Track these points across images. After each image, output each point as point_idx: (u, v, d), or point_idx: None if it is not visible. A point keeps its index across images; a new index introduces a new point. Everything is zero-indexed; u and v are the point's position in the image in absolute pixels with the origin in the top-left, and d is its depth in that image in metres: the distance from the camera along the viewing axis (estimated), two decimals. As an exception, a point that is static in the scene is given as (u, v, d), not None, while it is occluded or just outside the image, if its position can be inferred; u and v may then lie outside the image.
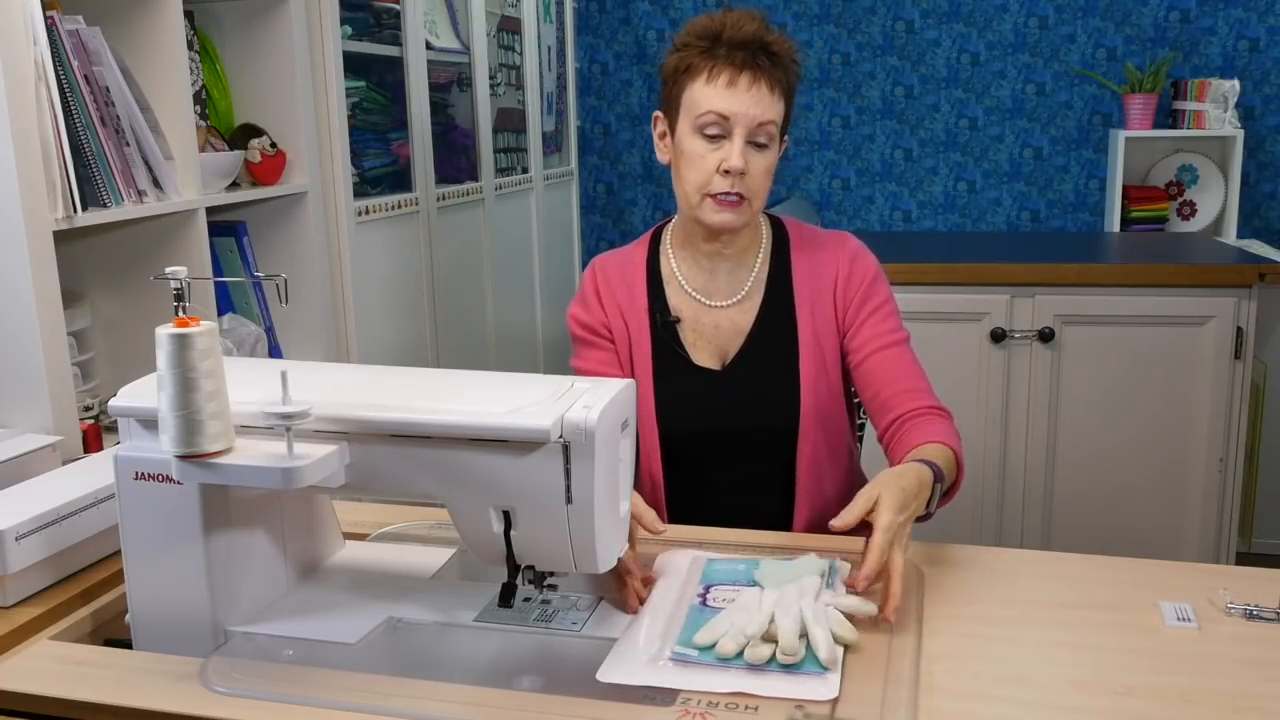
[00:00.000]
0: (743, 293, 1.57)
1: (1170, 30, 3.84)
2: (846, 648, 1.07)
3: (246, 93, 2.25)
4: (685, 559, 1.30)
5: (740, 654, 1.05)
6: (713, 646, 1.07)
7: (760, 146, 1.45)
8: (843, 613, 1.11)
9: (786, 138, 1.53)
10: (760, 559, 1.26)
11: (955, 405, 2.57)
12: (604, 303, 1.60)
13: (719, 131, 1.44)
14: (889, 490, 1.20)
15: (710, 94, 1.43)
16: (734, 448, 1.55)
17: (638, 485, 1.56)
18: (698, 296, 1.57)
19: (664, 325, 1.56)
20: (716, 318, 1.57)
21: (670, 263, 1.60)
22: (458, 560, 1.33)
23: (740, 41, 1.43)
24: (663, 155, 1.53)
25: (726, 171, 1.44)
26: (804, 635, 1.05)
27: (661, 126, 1.52)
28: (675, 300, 1.58)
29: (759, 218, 1.60)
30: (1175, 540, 2.57)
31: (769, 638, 1.06)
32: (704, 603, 1.18)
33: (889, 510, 1.18)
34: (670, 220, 1.63)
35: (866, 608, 1.12)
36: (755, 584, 1.19)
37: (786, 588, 1.14)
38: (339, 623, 1.16)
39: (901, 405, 1.48)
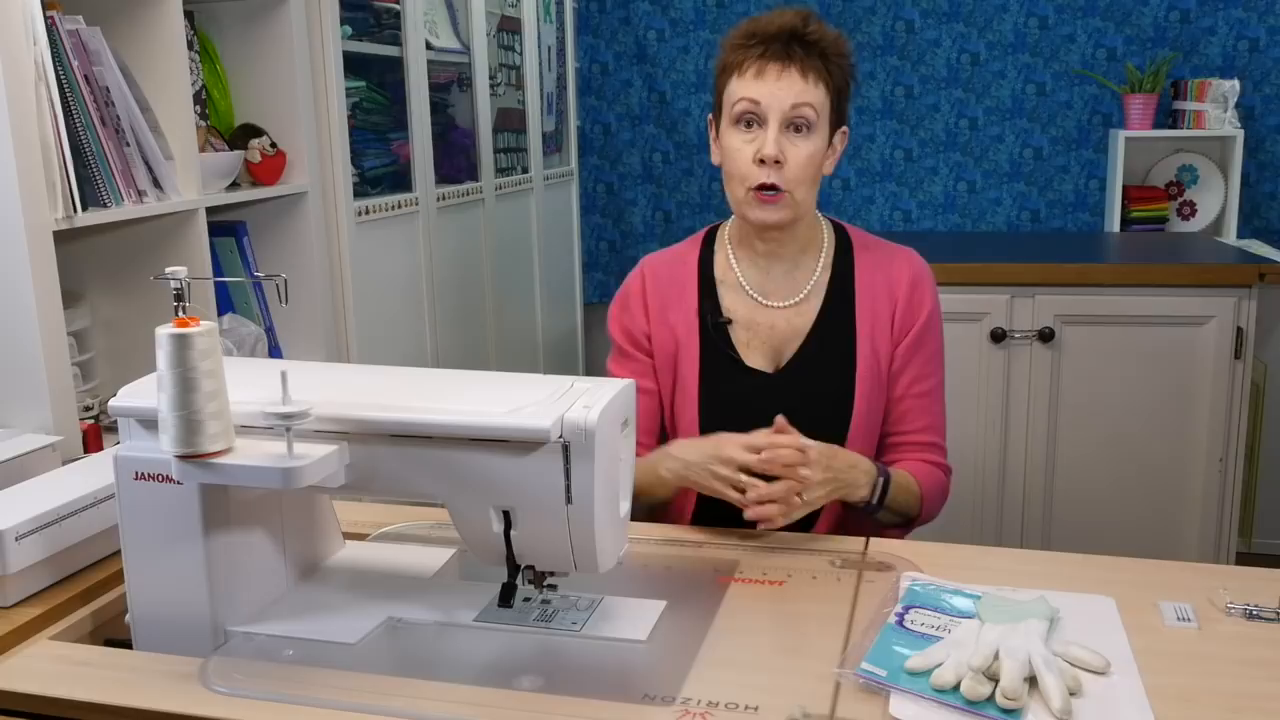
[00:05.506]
0: (802, 294, 1.56)
1: (1170, 30, 3.84)
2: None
3: (246, 93, 2.25)
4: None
5: (957, 687, 0.99)
6: (926, 674, 1.02)
7: (799, 133, 1.45)
8: (1070, 662, 1.04)
9: (843, 134, 1.52)
10: (976, 590, 1.18)
11: (955, 405, 2.57)
12: (648, 308, 1.59)
13: (754, 121, 1.46)
14: (828, 447, 1.38)
15: (742, 85, 1.46)
16: None
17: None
18: (754, 295, 1.57)
19: (715, 327, 1.55)
20: (772, 318, 1.56)
21: (728, 260, 1.59)
22: (458, 560, 1.33)
23: (772, 35, 1.45)
24: (714, 156, 1.54)
25: (762, 161, 1.44)
26: (1028, 679, 0.99)
27: (713, 129, 1.54)
28: (729, 300, 1.57)
29: (817, 219, 1.59)
30: (1175, 540, 2.57)
31: (990, 675, 1.00)
32: (900, 623, 1.13)
33: (818, 449, 1.35)
34: (724, 222, 1.64)
35: (1096, 659, 1.05)
36: (967, 615, 1.13)
37: (1014, 626, 1.07)
38: (339, 623, 1.16)
39: (903, 453, 1.57)
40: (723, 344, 1.56)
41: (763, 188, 1.45)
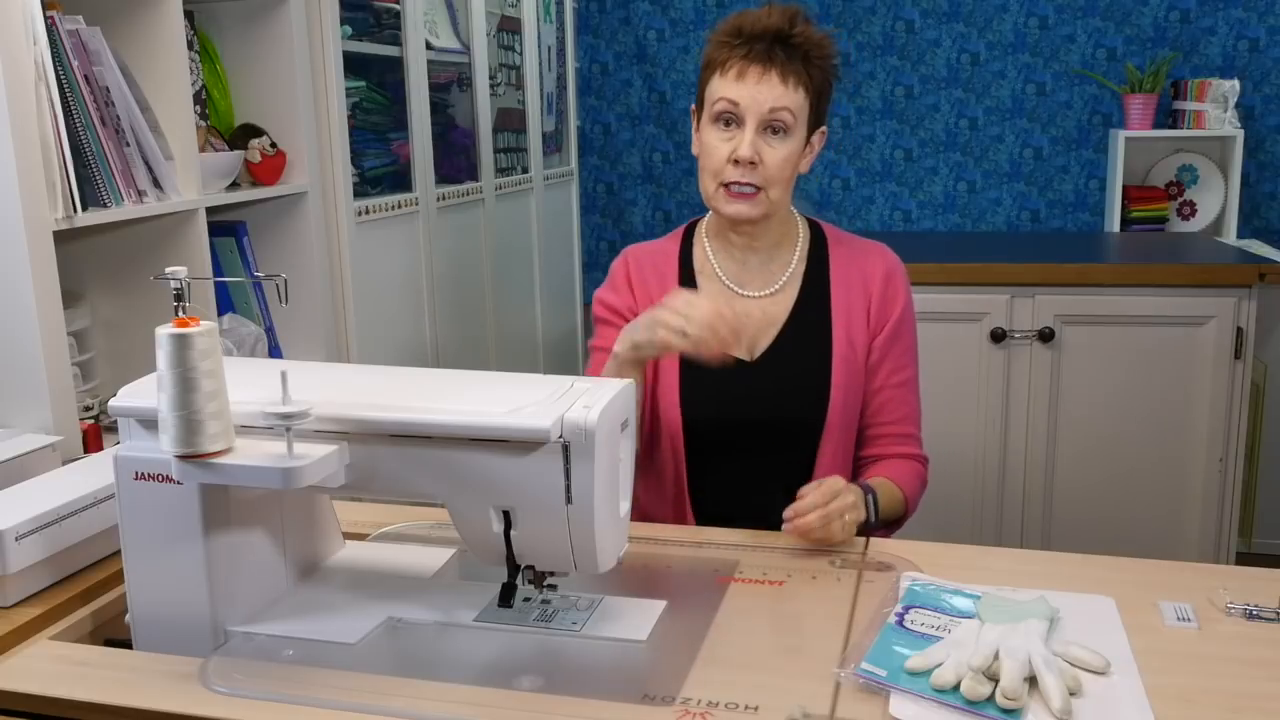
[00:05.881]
0: (777, 285, 1.58)
1: (1170, 30, 3.84)
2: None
3: (246, 93, 2.25)
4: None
5: (957, 687, 0.99)
6: (926, 674, 1.01)
7: (776, 135, 1.47)
8: (1069, 662, 1.04)
9: (822, 134, 1.55)
10: (976, 590, 1.18)
11: (955, 405, 2.58)
12: (634, 289, 1.62)
13: (732, 120, 1.47)
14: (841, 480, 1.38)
15: (724, 84, 1.47)
16: (757, 439, 1.55)
17: (658, 472, 1.57)
18: (730, 285, 1.59)
19: None
20: (748, 307, 1.58)
21: (705, 251, 1.62)
22: (458, 560, 1.33)
23: (756, 35, 1.46)
24: (694, 146, 1.56)
25: (736, 161, 1.46)
26: (1028, 679, 0.99)
27: (694, 119, 1.56)
28: (706, 290, 1.60)
29: (792, 214, 1.62)
30: (1175, 540, 2.57)
31: (990, 675, 1.00)
32: (900, 623, 1.13)
33: (827, 485, 1.35)
34: (704, 216, 1.66)
35: (1096, 659, 1.04)
36: (967, 615, 1.12)
37: (1014, 626, 1.07)
38: (339, 623, 1.16)
39: (882, 446, 1.60)
40: None
41: (735, 183, 1.48)
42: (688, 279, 1.60)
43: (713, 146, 1.49)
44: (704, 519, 1.57)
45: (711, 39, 1.51)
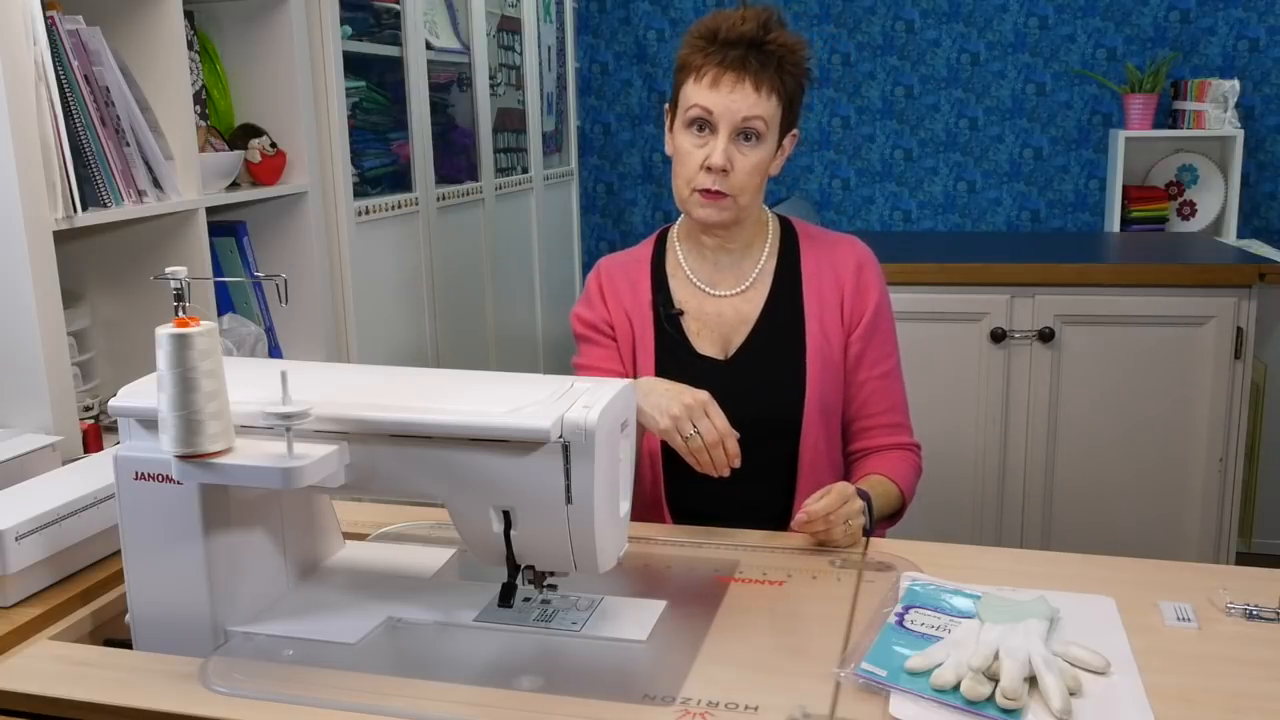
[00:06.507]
0: (748, 283, 1.59)
1: (1170, 30, 3.84)
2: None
3: (246, 93, 2.25)
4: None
5: (957, 687, 0.99)
6: (926, 674, 1.01)
7: (748, 141, 1.48)
8: (1069, 662, 1.04)
9: (793, 136, 1.56)
10: (976, 590, 1.18)
11: (955, 405, 2.58)
12: (607, 301, 1.63)
13: (705, 127, 1.48)
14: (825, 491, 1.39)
15: (697, 91, 1.48)
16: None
17: (639, 475, 1.58)
18: (702, 286, 1.60)
19: (667, 318, 1.59)
20: (720, 306, 1.59)
21: (676, 255, 1.63)
22: (458, 560, 1.33)
23: (731, 41, 1.46)
24: (668, 146, 1.57)
25: (709, 168, 1.47)
26: (1028, 679, 0.99)
27: (669, 118, 1.57)
28: (680, 292, 1.61)
29: (764, 213, 1.63)
30: (1175, 540, 2.57)
31: (990, 675, 0.99)
32: (900, 623, 1.13)
33: (834, 494, 1.36)
34: (677, 220, 1.66)
35: (1096, 659, 1.04)
36: (967, 615, 1.12)
37: (1014, 626, 1.07)
38: (339, 623, 1.16)
39: (872, 438, 1.61)
40: (675, 333, 1.58)
41: (706, 189, 1.48)
42: (660, 283, 1.61)
43: (686, 152, 1.50)
44: (686, 521, 1.56)
45: (686, 40, 1.51)
